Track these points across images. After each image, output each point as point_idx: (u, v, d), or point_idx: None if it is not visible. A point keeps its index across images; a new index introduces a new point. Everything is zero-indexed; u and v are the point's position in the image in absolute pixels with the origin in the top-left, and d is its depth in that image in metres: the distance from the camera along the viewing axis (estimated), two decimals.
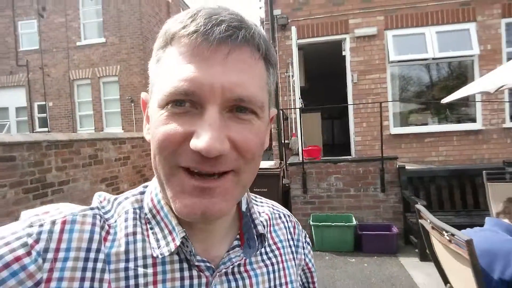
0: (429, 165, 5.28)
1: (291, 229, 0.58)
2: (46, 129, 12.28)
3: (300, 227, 0.61)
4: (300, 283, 0.57)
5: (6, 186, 3.34)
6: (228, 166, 0.38)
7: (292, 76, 5.67)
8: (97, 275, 0.39)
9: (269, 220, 0.56)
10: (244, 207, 0.51)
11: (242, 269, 0.47)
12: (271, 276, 0.50)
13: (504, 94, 5.21)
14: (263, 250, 0.51)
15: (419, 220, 1.91)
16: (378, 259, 3.85)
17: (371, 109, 5.49)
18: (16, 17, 12.49)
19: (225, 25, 0.37)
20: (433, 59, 5.30)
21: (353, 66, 5.53)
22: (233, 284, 0.46)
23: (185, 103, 0.37)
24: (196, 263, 0.43)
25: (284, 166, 4.87)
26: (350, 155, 5.70)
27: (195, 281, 0.43)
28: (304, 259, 0.59)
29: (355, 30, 5.45)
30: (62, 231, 0.39)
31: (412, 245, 4.13)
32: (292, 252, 0.56)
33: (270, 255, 0.52)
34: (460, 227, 3.85)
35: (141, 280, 0.41)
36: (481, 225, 1.73)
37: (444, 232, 1.52)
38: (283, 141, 5.67)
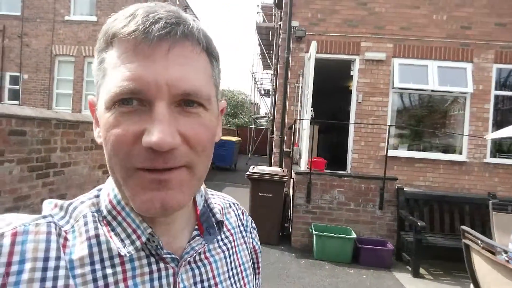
0: (417, 188, 5.64)
1: (241, 216, 0.64)
2: (16, 102, 11.45)
3: (247, 214, 0.67)
4: (250, 263, 0.62)
5: (13, 162, 3.15)
6: (180, 161, 0.39)
7: (301, 87, 5.83)
8: (60, 282, 0.38)
9: (222, 209, 0.60)
10: (200, 198, 0.54)
11: (202, 256, 0.51)
12: (228, 260, 0.54)
13: (488, 131, 5.72)
14: (219, 237, 0.55)
15: (463, 240, 2.08)
16: (374, 272, 4.06)
17: (371, 130, 5.78)
18: None
19: (163, 22, 0.38)
20: (432, 91, 5.71)
21: (359, 86, 5.80)
22: (196, 271, 0.49)
23: (132, 101, 0.38)
24: (163, 256, 0.45)
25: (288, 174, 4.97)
26: (345, 170, 5.93)
27: (163, 273, 0.45)
28: (252, 242, 0.64)
29: (366, 53, 5.73)
30: (13, 243, 0.38)
31: (403, 261, 4.41)
32: (242, 237, 0.61)
33: (226, 241, 0.56)
34: (448, 248, 4.16)
35: (110, 279, 0.41)
36: None
37: (503, 252, 1.69)
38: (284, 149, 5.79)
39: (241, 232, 0.61)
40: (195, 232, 0.50)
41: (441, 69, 5.69)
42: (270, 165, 11.98)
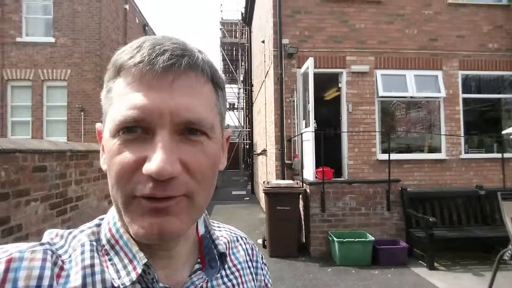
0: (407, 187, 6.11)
1: (249, 251, 0.61)
2: None
3: (257, 249, 0.64)
4: None
5: (38, 200, 2.93)
6: (179, 190, 0.39)
7: (296, 101, 6.06)
8: None
9: (228, 243, 0.58)
10: (203, 230, 0.53)
11: None
12: None
13: (461, 130, 6.42)
14: (223, 272, 0.52)
15: None
16: (395, 270, 4.32)
17: (362, 137, 6.16)
18: None
19: (168, 54, 0.39)
20: (411, 97, 6.29)
21: (348, 97, 6.18)
22: None
23: (137, 129, 0.39)
24: None
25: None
26: (340, 177, 6.22)
27: None
28: (264, 280, 0.62)
29: (352, 66, 6.15)
30: (7, 270, 0.37)
31: (414, 257, 4.74)
32: (251, 273, 0.58)
33: (231, 277, 0.53)
34: (451, 239, 4.55)
35: None
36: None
37: None
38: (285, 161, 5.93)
39: (249, 267, 0.58)
40: (197, 266, 0.49)
41: (417, 77, 6.29)
42: (252, 179, 12.04)
